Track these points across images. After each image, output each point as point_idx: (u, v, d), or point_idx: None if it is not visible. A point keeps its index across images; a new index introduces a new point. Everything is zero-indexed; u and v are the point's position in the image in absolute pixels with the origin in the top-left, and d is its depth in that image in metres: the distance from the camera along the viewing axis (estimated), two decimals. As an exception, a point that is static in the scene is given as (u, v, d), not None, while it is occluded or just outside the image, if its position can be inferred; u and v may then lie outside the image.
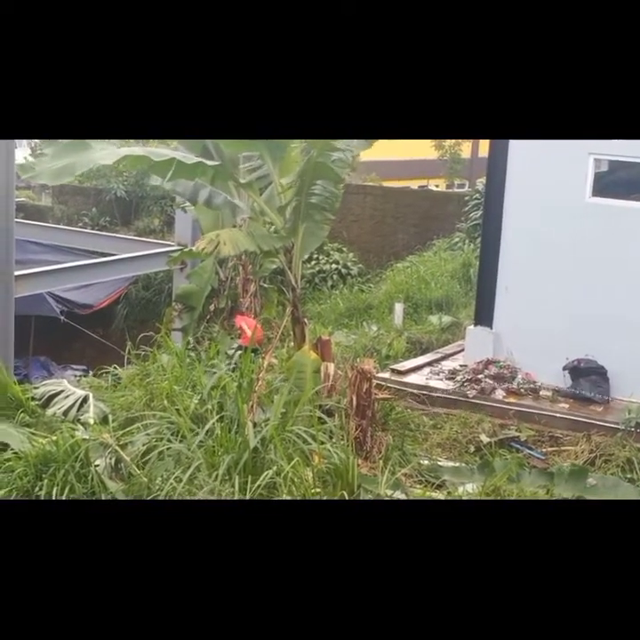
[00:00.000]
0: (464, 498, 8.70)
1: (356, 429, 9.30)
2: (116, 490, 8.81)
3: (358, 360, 12.62)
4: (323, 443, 8.37)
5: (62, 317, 21.35)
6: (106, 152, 8.08)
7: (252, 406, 9.16)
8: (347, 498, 7.22)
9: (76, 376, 22.23)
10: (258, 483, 7.21)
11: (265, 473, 7.33)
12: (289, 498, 7.16)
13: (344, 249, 22.29)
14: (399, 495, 8.57)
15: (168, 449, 8.51)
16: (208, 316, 14.47)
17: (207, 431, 8.45)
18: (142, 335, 12.19)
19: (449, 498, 6.01)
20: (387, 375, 12.20)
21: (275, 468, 7.43)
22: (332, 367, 9.94)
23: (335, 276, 21.61)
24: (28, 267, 17.41)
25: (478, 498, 8.12)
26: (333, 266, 21.71)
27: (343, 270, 21.87)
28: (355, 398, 9.40)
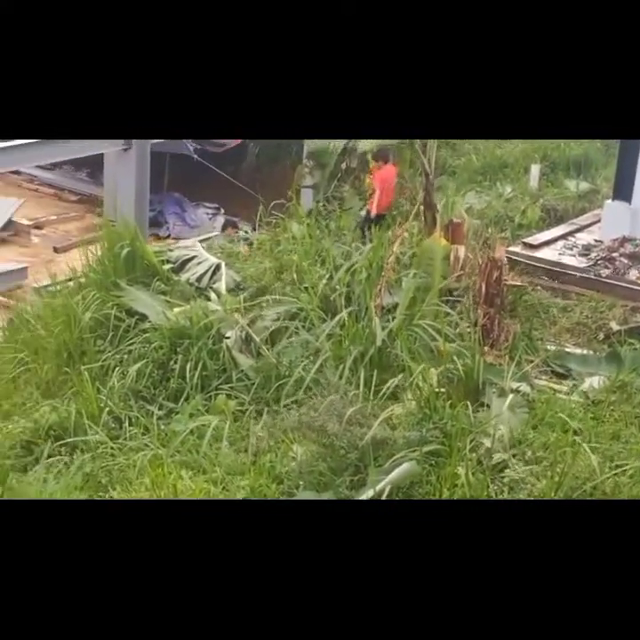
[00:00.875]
0: (589, 394, 8.69)
1: (484, 317, 9.27)
2: (246, 366, 9.13)
3: (490, 231, 12.52)
4: (448, 338, 8.43)
5: (195, 156, 21.50)
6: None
7: (380, 290, 9.25)
8: (469, 404, 7.30)
9: (207, 214, 22.69)
10: (386, 386, 7.38)
11: (390, 380, 7.48)
12: (413, 399, 7.28)
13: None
14: (525, 388, 8.61)
15: (297, 334, 8.72)
16: (339, 175, 14.37)
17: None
18: (274, 202, 12.22)
19: (451, 498, 6.15)
20: (518, 249, 11.99)
21: (400, 375, 7.56)
22: (462, 250, 9.85)
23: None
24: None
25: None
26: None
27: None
28: (484, 286, 9.31)
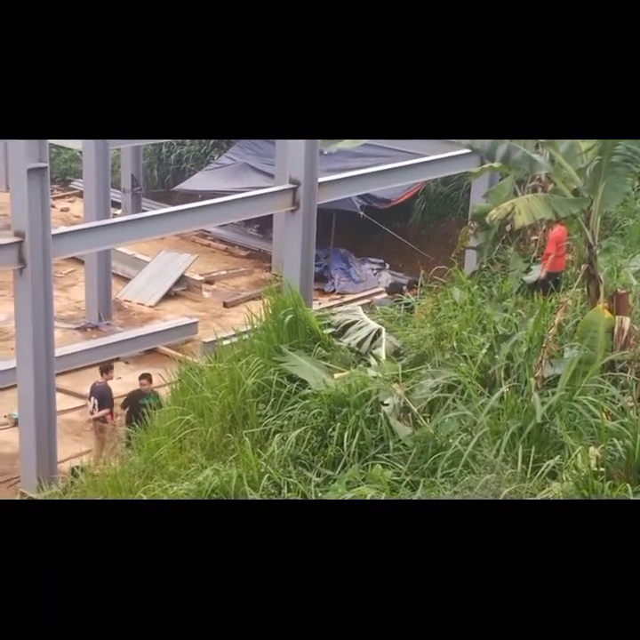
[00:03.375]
0: None
1: (649, 391, 9.03)
2: (403, 435, 9.17)
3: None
4: (609, 414, 8.25)
5: (362, 213, 21.84)
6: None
7: (540, 361, 9.15)
8: (630, 489, 7.12)
9: (372, 269, 22.94)
10: (541, 471, 7.29)
11: (547, 461, 7.38)
12: (572, 483, 7.16)
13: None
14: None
15: (454, 409, 8.72)
16: (503, 237, 14.33)
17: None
18: (436, 268, 12.31)
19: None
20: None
21: (557, 457, 7.46)
22: (627, 321, 9.62)
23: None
24: (335, 173, 18.01)
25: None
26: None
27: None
28: (649, 359, 9.10)
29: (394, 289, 15.96)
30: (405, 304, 12.14)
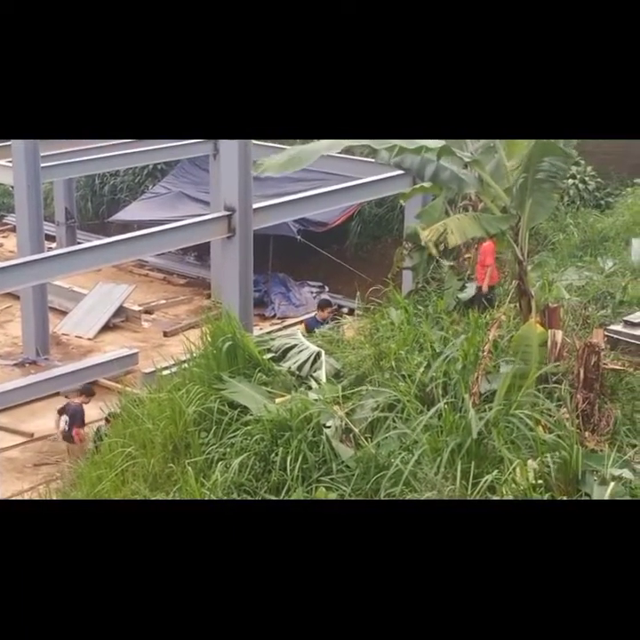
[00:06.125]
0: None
1: (584, 402, 9.21)
2: (346, 457, 9.24)
3: (590, 309, 12.44)
4: (546, 426, 8.40)
5: (299, 237, 21.96)
6: (330, 142, 8.35)
7: (477, 377, 9.28)
8: (566, 497, 7.26)
9: (312, 292, 23.03)
10: (479, 486, 7.40)
11: (486, 476, 7.50)
12: (511, 497, 7.28)
13: (582, 161, 21.44)
14: (627, 474, 8.49)
15: (394, 428, 8.81)
16: (437, 256, 14.47)
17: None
18: (372, 288, 12.42)
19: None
20: (619, 327, 11.86)
21: (495, 471, 7.57)
22: (559, 335, 9.82)
23: (572, 192, 20.96)
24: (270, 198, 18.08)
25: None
26: (570, 181, 20.99)
27: (580, 185, 21.14)
28: (582, 371, 9.27)
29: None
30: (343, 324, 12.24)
